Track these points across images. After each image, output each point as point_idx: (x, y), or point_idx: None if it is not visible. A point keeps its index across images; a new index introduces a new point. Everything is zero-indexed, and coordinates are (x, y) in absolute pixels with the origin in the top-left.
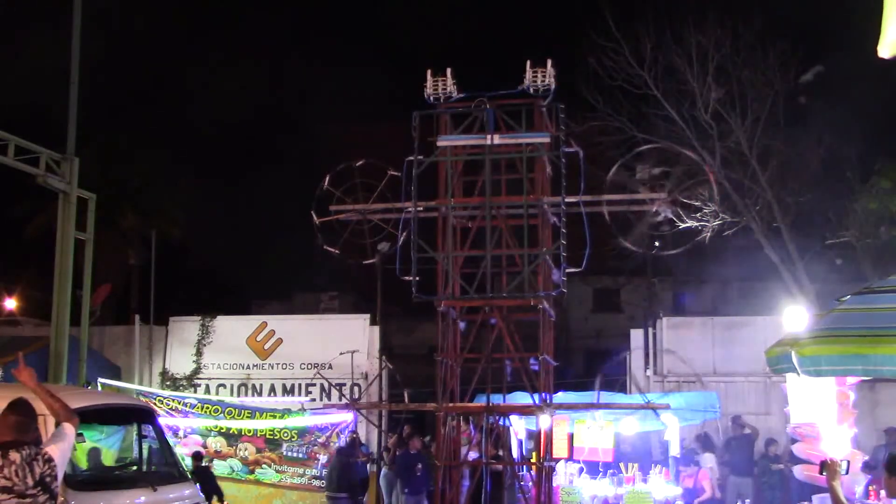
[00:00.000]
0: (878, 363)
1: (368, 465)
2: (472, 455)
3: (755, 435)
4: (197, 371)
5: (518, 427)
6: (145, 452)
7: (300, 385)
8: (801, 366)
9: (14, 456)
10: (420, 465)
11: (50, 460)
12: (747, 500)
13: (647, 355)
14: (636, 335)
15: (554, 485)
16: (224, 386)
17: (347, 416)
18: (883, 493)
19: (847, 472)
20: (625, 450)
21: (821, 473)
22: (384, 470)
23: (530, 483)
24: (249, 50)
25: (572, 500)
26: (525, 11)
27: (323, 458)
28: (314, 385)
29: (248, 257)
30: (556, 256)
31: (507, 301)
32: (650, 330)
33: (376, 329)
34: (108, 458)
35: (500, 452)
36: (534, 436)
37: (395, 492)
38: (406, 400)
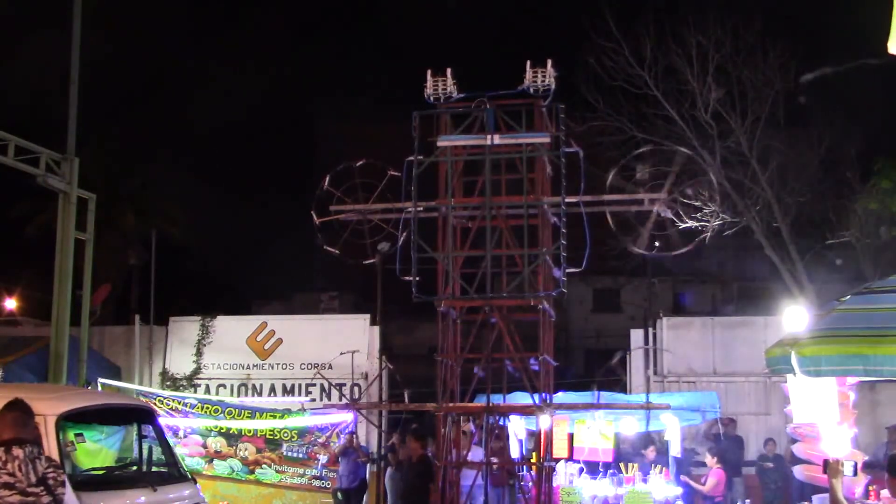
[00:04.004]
0: (879, 363)
1: (368, 466)
2: (471, 455)
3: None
4: (197, 371)
5: (518, 427)
6: (145, 452)
7: (300, 385)
8: (801, 366)
9: (17, 452)
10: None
11: (56, 465)
12: (747, 501)
13: (647, 355)
14: (636, 335)
15: (554, 485)
16: (224, 386)
17: (347, 417)
18: (884, 492)
19: (855, 474)
20: (625, 450)
21: (824, 472)
22: (390, 471)
23: (530, 483)
24: (250, 50)
25: (572, 500)
26: (525, 11)
27: (323, 458)
28: (314, 385)
29: (248, 257)
30: (557, 256)
31: (507, 301)
32: (650, 330)
33: (376, 329)
34: (108, 458)
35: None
36: (534, 436)
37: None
38: (406, 400)
